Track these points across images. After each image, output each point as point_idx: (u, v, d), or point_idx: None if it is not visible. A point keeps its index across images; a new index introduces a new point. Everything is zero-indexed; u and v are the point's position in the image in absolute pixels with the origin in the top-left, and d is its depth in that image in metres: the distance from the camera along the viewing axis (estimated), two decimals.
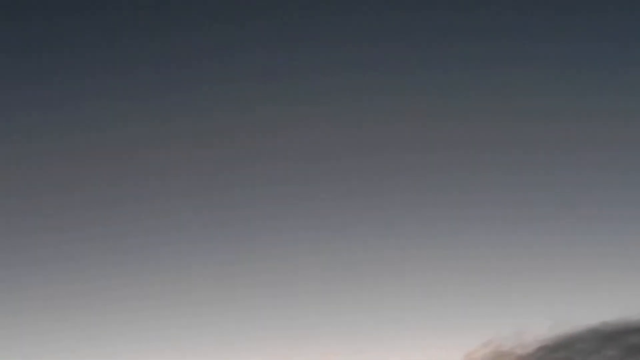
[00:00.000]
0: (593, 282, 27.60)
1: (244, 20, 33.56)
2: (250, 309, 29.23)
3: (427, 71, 32.78)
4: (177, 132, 33.45)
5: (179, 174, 32.78)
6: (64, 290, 30.57)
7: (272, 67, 33.27)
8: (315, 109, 32.68)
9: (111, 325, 29.29)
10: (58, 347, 28.11)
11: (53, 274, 30.94)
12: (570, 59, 32.29)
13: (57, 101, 34.07)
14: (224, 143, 33.11)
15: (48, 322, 29.32)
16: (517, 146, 31.70)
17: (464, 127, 31.96)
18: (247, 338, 27.92)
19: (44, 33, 33.86)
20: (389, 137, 32.42)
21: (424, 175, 31.73)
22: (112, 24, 33.48)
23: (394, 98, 32.73)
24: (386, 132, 32.46)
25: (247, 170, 32.44)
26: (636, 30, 32.15)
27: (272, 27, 33.61)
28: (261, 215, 31.80)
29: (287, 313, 28.54)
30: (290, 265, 30.23)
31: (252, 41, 33.47)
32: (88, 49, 33.66)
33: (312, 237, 30.76)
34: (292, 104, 32.97)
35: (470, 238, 29.77)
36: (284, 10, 33.32)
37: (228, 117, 33.32)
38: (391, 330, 27.06)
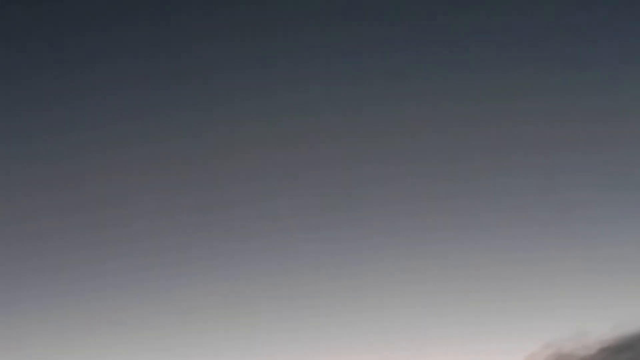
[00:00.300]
0: None
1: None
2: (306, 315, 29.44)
3: (426, 77, 32.64)
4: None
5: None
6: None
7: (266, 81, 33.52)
8: (314, 119, 32.80)
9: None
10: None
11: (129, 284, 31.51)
12: (567, 60, 31.88)
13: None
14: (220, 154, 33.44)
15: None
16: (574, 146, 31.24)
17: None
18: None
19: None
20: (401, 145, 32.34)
21: (477, 179, 31.52)
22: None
23: (394, 106, 32.71)
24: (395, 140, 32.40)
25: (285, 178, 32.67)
26: (633, 30, 31.61)
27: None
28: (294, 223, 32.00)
29: (340, 319, 28.71)
30: (341, 271, 30.42)
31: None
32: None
33: (363, 246, 30.89)
34: (292, 114, 33.16)
35: (529, 241, 29.46)
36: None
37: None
38: (452, 334, 26.97)
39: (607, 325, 22.13)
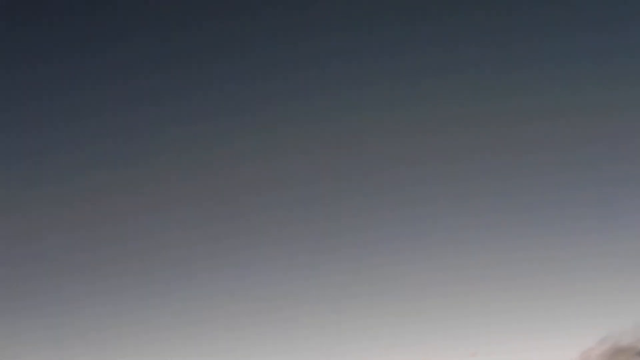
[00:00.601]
0: None
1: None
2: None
3: (425, 78, 32.75)
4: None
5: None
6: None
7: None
8: (313, 124, 32.79)
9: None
10: None
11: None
12: (565, 58, 32.16)
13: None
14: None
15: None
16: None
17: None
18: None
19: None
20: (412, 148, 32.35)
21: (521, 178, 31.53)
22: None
23: (397, 107, 32.78)
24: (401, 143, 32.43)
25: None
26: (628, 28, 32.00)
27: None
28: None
29: (386, 319, 28.59)
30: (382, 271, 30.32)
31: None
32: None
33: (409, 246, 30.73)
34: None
35: (584, 235, 29.43)
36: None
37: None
38: (507, 331, 26.81)
39: None
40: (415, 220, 30.93)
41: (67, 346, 29.40)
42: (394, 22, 33.04)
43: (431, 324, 27.57)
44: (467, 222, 30.25)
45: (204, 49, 33.54)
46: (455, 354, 25.44)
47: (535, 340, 25.48)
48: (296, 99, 33.02)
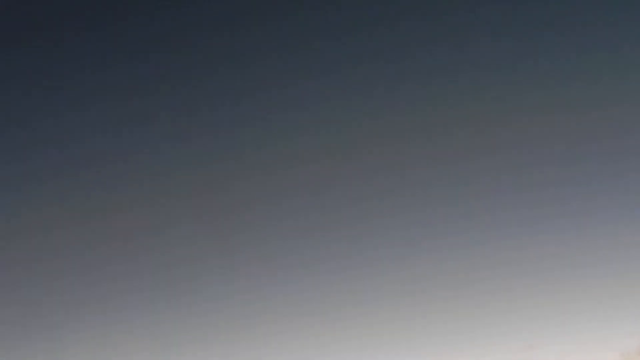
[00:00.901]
0: None
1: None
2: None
3: (425, 79, 32.96)
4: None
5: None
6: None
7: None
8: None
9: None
10: None
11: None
12: (563, 58, 32.30)
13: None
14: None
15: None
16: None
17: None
18: None
19: None
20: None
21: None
22: None
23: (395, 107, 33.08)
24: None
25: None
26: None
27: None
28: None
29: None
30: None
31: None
32: None
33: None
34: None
35: (623, 231, 29.59)
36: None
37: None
38: (549, 330, 26.80)
39: None
40: (426, 220, 31.17)
41: (72, 348, 29.89)
42: (393, 23, 33.39)
43: (483, 319, 27.63)
44: (497, 220, 30.46)
45: (206, 58, 34.12)
46: (508, 349, 25.42)
47: (575, 344, 25.31)
48: (296, 103, 33.41)
